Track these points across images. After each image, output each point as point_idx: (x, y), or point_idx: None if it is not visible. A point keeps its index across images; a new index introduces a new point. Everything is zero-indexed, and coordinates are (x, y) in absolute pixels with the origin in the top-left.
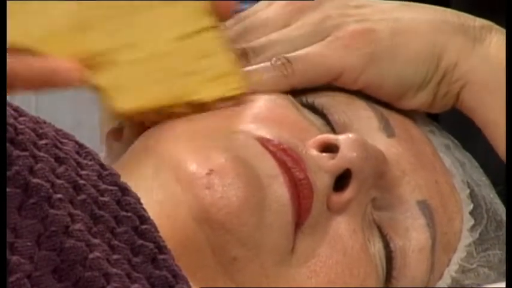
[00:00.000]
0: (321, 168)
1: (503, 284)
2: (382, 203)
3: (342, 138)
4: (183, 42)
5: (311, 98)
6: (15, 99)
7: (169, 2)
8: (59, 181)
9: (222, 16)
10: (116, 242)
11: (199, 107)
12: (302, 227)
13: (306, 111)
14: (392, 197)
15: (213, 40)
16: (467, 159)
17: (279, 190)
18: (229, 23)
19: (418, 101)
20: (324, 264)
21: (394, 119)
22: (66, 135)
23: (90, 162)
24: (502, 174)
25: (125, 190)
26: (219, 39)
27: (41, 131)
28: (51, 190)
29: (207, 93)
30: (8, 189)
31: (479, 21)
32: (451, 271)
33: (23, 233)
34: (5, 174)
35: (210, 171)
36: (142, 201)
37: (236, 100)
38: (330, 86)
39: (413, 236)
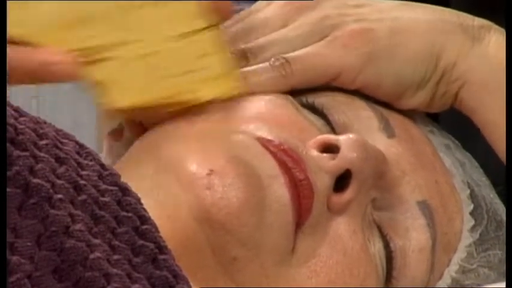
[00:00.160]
0: (321, 169)
1: (503, 284)
2: (382, 203)
3: (342, 139)
4: (181, 40)
5: (311, 98)
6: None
7: (169, 0)
8: (59, 181)
9: (222, 16)
10: (117, 242)
11: (194, 106)
12: (302, 227)
13: (305, 112)
14: (393, 197)
15: (211, 40)
16: (467, 159)
17: (279, 190)
18: (227, 23)
19: (417, 100)
20: (324, 265)
21: (394, 119)
22: (66, 136)
23: (90, 163)
24: (502, 175)
25: (125, 190)
26: (217, 40)
27: (41, 131)
28: (51, 190)
29: (202, 92)
30: (8, 189)
31: (478, 21)
32: (451, 271)
33: (23, 233)
34: (5, 174)
35: (211, 172)
36: (142, 201)
37: (232, 100)
38: (329, 86)
39: (413, 236)
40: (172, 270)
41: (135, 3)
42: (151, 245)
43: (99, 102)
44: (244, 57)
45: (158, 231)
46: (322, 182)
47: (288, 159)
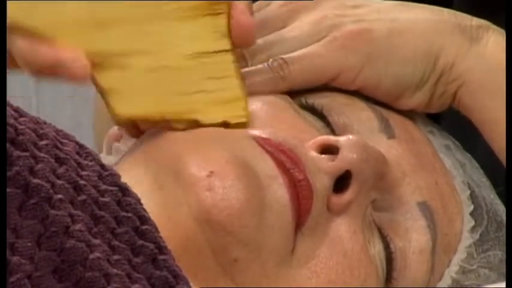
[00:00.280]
0: (321, 170)
1: (504, 285)
2: (383, 204)
3: (342, 140)
4: (197, 59)
5: (311, 100)
6: (15, 99)
7: (192, 15)
8: (59, 181)
9: (242, 41)
10: (117, 243)
11: (198, 127)
12: (302, 228)
13: (305, 113)
14: (393, 199)
15: (227, 63)
16: (467, 160)
17: (279, 191)
18: None
19: (416, 100)
20: (325, 265)
21: (394, 119)
22: (66, 136)
23: (90, 163)
24: (502, 175)
25: (125, 191)
26: (233, 64)
27: (41, 131)
28: (51, 190)
29: (210, 114)
30: (8, 190)
31: (476, 21)
32: (451, 272)
33: (24, 234)
34: (5, 175)
35: (211, 173)
36: (142, 202)
37: (237, 128)
38: (329, 87)
39: (413, 237)
40: (172, 270)
41: (158, 12)
42: (151, 245)
43: (105, 107)
44: (243, 57)
45: (158, 232)
46: (322, 183)
47: (286, 160)
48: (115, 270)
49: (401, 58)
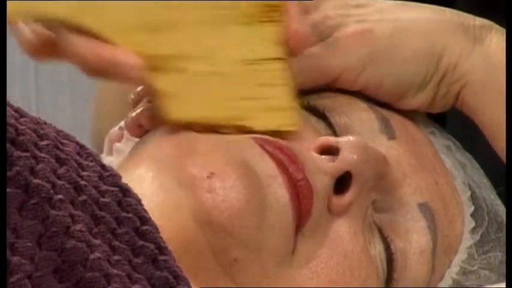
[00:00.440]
0: (321, 170)
1: (504, 285)
2: (383, 205)
3: (342, 141)
4: (249, 66)
5: (313, 101)
6: (15, 100)
7: (247, 22)
8: (59, 182)
9: (296, 50)
10: (117, 243)
11: (247, 133)
12: (303, 229)
13: (306, 114)
14: (393, 199)
15: (279, 71)
16: (468, 161)
17: (279, 191)
18: None
19: (418, 100)
20: (325, 266)
21: (395, 120)
22: (67, 136)
23: (91, 163)
24: (503, 176)
25: (126, 191)
26: (285, 72)
27: (42, 131)
28: (52, 191)
29: (260, 122)
30: (8, 190)
31: (479, 21)
32: (451, 273)
33: (24, 234)
34: (6, 175)
35: (211, 175)
36: (143, 202)
37: (286, 136)
38: (330, 88)
39: (414, 238)
40: (173, 271)
41: (215, 17)
42: (152, 246)
43: (160, 108)
44: None
45: (159, 232)
46: (322, 183)
47: (284, 158)
48: (115, 271)
49: (403, 58)
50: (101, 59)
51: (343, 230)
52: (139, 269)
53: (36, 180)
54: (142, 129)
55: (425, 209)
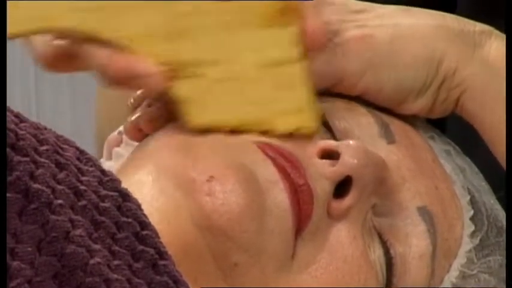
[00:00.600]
0: (321, 175)
1: None
2: (383, 209)
3: (342, 145)
4: (267, 69)
5: None
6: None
7: (263, 25)
8: (59, 187)
9: (313, 48)
10: (117, 248)
11: (267, 136)
12: (302, 234)
13: None
14: (393, 204)
15: (298, 73)
16: (467, 165)
17: (279, 196)
18: None
19: (418, 105)
20: (325, 271)
21: (395, 125)
22: (66, 141)
23: (90, 168)
24: (503, 180)
25: (125, 196)
26: (304, 73)
27: (41, 136)
28: (51, 196)
29: (280, 125)
30: (8, 195)
31: (479, 26)
32: (451, 277)
33: (24, 239)
34: (6, 180)
35: (211, 178)
36: (142, 207)
37: (306, 137)
38: (329, 92)
39: (413, 243)
40: (173, 275)
41: (233, 22)
42: (152, 251)
43: (182, 115)
44: None
45: (158, 237)
46: (322, 188)
47: (287, 165)
48: (115, 276)
49: (403, 63)
50: (121, 69)
51: (342, 235)
52: (139, 274)
53: (36, 185)
54: (141, 133)
55: (424, 212)
